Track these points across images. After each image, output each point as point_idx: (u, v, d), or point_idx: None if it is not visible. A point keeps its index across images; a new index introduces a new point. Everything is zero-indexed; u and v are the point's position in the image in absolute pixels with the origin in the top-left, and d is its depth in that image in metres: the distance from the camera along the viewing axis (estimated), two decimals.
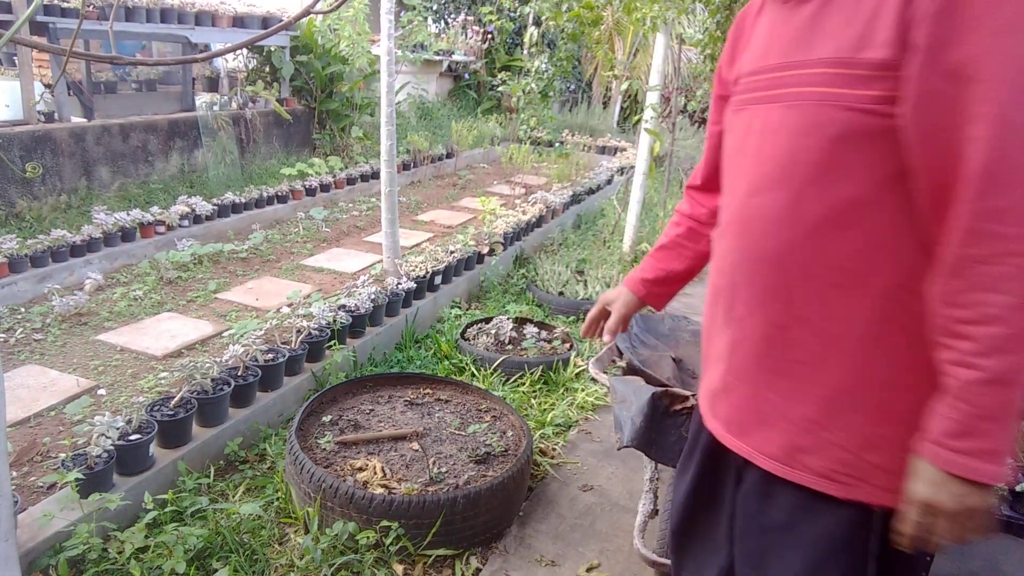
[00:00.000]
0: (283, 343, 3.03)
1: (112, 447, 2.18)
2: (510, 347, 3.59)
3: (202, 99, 6.33)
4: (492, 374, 3.35)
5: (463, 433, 2.64)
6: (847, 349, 1.04)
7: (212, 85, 7.06)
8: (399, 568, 2.11)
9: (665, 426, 2.03)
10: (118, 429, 2.23)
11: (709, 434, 1.26)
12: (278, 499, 2.37)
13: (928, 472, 0.94)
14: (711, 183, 1.40)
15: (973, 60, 0.87)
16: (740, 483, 1.22)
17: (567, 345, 3.65)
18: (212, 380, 2.62)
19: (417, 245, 5.26)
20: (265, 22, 6.73)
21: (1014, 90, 0.85)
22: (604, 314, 1.59)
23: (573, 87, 12.20)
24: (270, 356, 2.86)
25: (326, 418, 2.63)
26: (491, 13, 9.16)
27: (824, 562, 1.09)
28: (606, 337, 1.55)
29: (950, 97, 0.89)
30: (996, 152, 0.86)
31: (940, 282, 0.93)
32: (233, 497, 2.39)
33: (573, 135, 9.79)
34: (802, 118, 1.02)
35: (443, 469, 2.39)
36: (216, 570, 1.98)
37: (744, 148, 1.15)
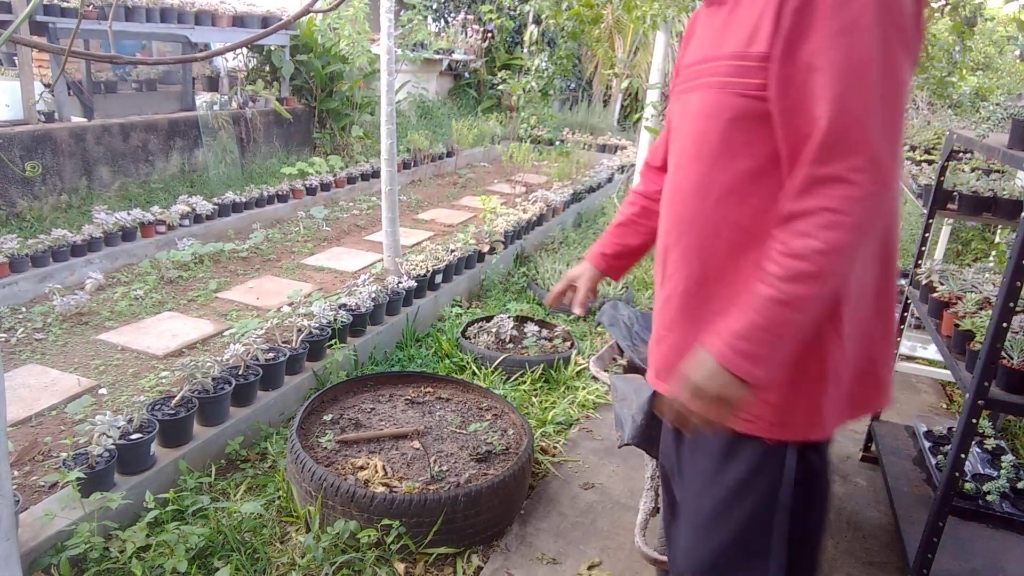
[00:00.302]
0: (284, 342, 3.03)
1: (113, 446, 2.18)
2: (511, 345, 3.59)
3: (202, 98, 6.33)
4: (493, 372, 3.35)
5: (464, 431, 2.64)
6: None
7: (212, 84, 7.05)
8: (400, 566, 2.11)
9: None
10: (119, 428, 2.23)
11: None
12: (279, 498, 2.37)
13: (707, 361, 1.11)
14: (660, 162, 1.54)
15: (818, 53, 1.04)
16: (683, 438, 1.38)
17: (568, 343, 3.65)
18: (213, 379, 2.62)
19: (418, 244, 5.26)
20: (265, 21, 6.72)
21: (847, 78, 1.02)
22: (570, 288, 1.69)
23: (573, 85, 12.18)
24: (271, 355, 2.86)
25: (327, 417, 2.63)
26: (491, 12, 9.14)
27: (729, 505, 1.24)
28: (576, 310, 1.65)
29: (801, 83, 1.06)
30: (829, 130, 1.03)
31: (778, 228, 1.11)
32: (234, 496, 2.39)
33: (573, 133, 9.78)
34: (709, 103, 1.19)
35: (444, 467, 2.39)
36: (217, 569, 1.99)
37: (676, 130, 1.31)
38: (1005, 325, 1.79)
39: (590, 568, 2.21)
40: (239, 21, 6.48)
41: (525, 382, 3.31)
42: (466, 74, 10.96)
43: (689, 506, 1.34)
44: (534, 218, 5.50)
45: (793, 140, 1.08)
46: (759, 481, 1.23)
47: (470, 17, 11.07)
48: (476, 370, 3.38)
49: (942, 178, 2.74)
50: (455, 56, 10.46)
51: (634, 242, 1.61)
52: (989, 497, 2.31)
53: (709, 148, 1.19)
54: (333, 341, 3.20)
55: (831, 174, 1.03)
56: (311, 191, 6.15)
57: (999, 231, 4.29)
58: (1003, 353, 1.90)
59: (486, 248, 4.67)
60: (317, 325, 3.18)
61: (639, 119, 4.95)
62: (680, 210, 1.27)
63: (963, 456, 1.93)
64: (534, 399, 3.21)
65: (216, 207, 5.20)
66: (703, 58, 1.23)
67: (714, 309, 1.22)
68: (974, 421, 1.89)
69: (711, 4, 1.24)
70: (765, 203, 1.15)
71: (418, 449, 2.50)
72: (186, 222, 4.94)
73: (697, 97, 1.22)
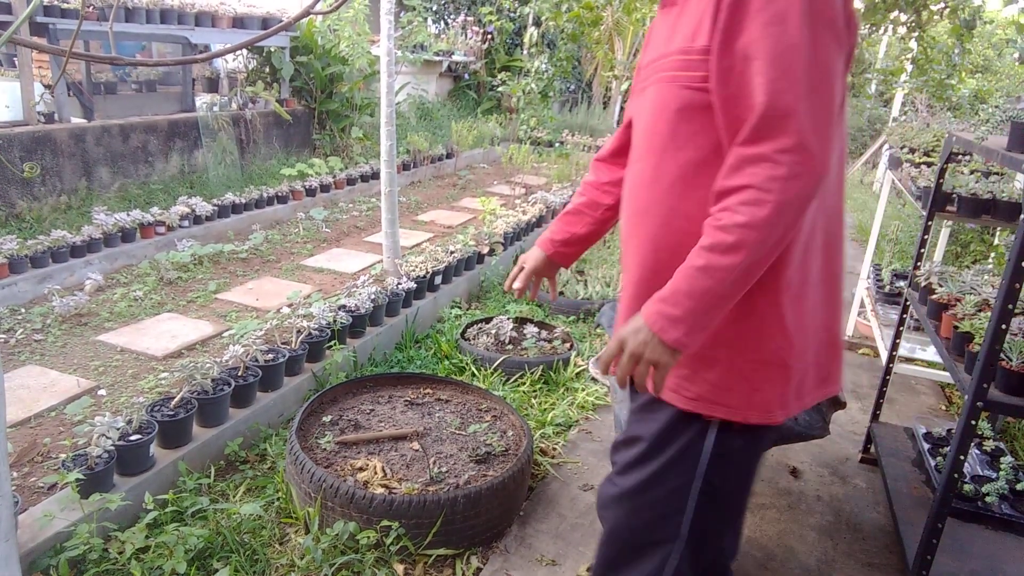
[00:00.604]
0: (283, 343, 3.03)
1: (112, 447, 2.18)
2: (510, 347, 3.59)
3: (202, 100, 6.33)
4: (492, 374, 3.35)
5: (463, 433, 2.64)
6: None
7: (212, 86, 7.06)
8: (400, 568, 2.11)
9: None
10: (118, 429, 2.23)
11: None
12: (279, 499, 2.37)
13: (636, 320, 1.19)
14: (618, 157, 1.62)
15: (751, 43, 1.11)
16: None
17: (567, 345, 3.65)
18: (212, 380, 2.62)
19: (417, 245, 5.26)
20: (265, 23, 6.73)
21: (779, 66, 1.09)
22: (521, 270, 1.76)
23: (573, 87, 12.19)
24: (270, 356, 2.86)
25: (326, 418, 2.63)
26: (491, 13, 9.13)
27: (649, 456, 1.35)
28: (517, 284, 1.73)
29: (739, 73, 1.13)
30: (761, 114, 1.10)
31: (712, 202, 1.17)
32: (234, 497, 2.39)
33: (573, 135, 9.78)
34: (659, 97, 1.27)
35: (443, 469, 2.39)
36: (217, 570, 1.98)
37: (636, 126, 1.39)
38: (1004, 327, 1.79)
39: (589, 569, 2.21)
40: (239, 22, 6.49)
41: (524, 383, 3.31)
42: (466, 76, 10.97)
43: (616, 454, 1.47)
44: (534, 220, 5.50)
45: (734, 128, 1.15)
46: (677, 446, 1.33)
47: (470, 19, 11.08)
48: (475, 371, 3.38)
49: (941, 180, 2.74)
50: (455, 58, 10.47)
51: (581, 231, 1.68)
52: (988, 499, 2.32)
53: (660, 140, 1.27)
54: (332, 342, 3.20)
55: (758, 154, 1.10)
56: (311, 192, 6.15)
57: (998, 233, 4.30)
58: (1002, 355, 1.90)
59: (486, 250, 4.67)
60: (316, 326, 3.18)
61: None
62: (637, 202, 1.35)
63: (962, 458, 1.93)
64: (533, 400, 3.21)
65: (216, 208, 5.20)
66: (657, 56, 1.31)
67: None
68: (973, 423, 1.90)
69: (664, 7, 1.35)
70: (710, 194, 1.19)
71: (417, 450, 2.50)
72: (185, 223, 4.94)
73: (651, 92, 1.31)
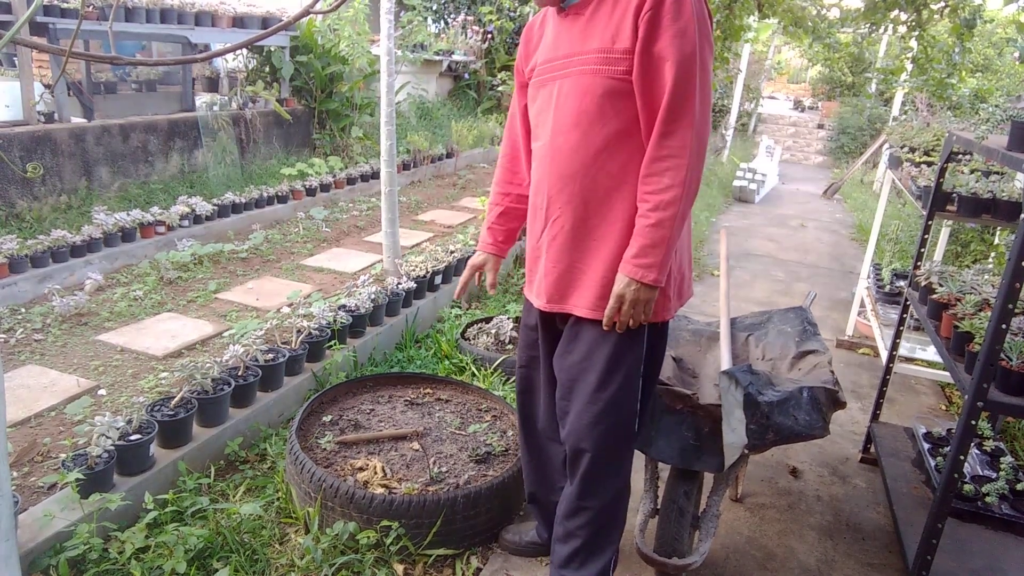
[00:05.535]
0: (283, 343, 3.03)
1: (112, 447, 2.18)
2: (510, 347, 3.59)
3: (202, 99, 6.33)
4: (492, 374, 3.35)
5: (463, 433, 2.64)
6: (619, 226, 1.66)
7: (212, 85, 7.05)
8: (399, 568, 2.11)
9: (664, 424, 2.04)
10: (118, 429, 2.23)
11: (539, 313, 1.87)
12: (278, 499, 2.37)
13: (623, 279, 1.61)
14: (528, 146, 1.91)
15: (664, 48, 1.52)
16: (555, 342, 1.84)
17: None
18: (212, 380, 2.62)
19: (417, 245, 5.26)
20: (265, 22, 6.72)
21: (682, 67, 1.51)
22: (477, 276, 2.10)
23: None
24: (270, 356, 2.86)
25: (326, 418, 2.63)
26: (491, 13, 9.13)
27: (611, 373, 1.71)
28: (492, 291, 2.07)
29: (653, 70, 1.54)
30: (670, 102, 1.53)
31: (641, 172, 1.60)
32: (233, 497, 2.39)
33: None
34: (585, 84, 1.62)
35: (443, 469, 2.39)
36: (217, 570, 1.98)
37: (548, 106, 1.72)
38: (1004, 327, 1.79)
39: None
40: (239, 22, 6.48)
41: None
42: (466, 75, 10.95)
43: (576, 391, 1.77)
44: None
45: (650, 107, 1.57)
46: (631, 353, 1.72)
47: (470, 18, 11.07)
48: (475, 371, 3.38)
49: (941, 180, 2.74)
50: (455, 57, 10.46)
51: (517, 224, 2.05)
52: (988, 499, 2.32)
53: (588, 116, 1.62)
54: (332, 342, 3.20)
55: (671, 131, 1.54)
56: (311, 192, 6.15)
57: (998, 233, 4.29)
58: (1002, 355, 1.90)
59: None
60: (316, 326, 3.18)
61: None
62: (562, 165, 1.68)
63: (962, 458, 1.93)
64: None
65: (216, 208, 5.19)
66: (570, 53, 1.65)
67: (595, 237, 1.69)
68: (973, 423, 1.90)
69: (568, 15, 1.67)
70: (629, 155, 1.63)
71: (417, 450, 2.50)
72: (186, 223, 4.94)
73: (572, 80, 1.64)
